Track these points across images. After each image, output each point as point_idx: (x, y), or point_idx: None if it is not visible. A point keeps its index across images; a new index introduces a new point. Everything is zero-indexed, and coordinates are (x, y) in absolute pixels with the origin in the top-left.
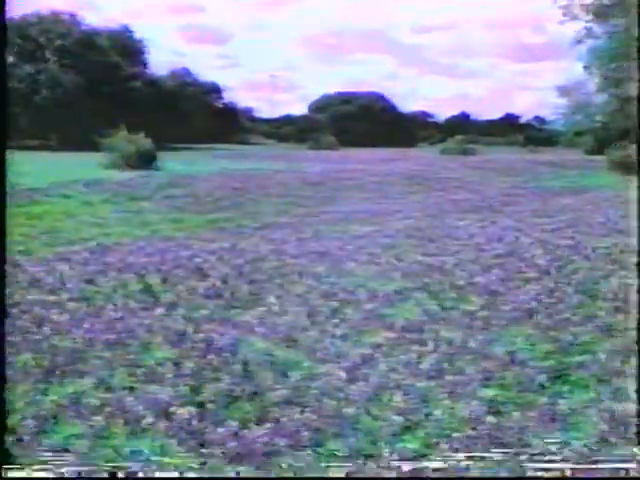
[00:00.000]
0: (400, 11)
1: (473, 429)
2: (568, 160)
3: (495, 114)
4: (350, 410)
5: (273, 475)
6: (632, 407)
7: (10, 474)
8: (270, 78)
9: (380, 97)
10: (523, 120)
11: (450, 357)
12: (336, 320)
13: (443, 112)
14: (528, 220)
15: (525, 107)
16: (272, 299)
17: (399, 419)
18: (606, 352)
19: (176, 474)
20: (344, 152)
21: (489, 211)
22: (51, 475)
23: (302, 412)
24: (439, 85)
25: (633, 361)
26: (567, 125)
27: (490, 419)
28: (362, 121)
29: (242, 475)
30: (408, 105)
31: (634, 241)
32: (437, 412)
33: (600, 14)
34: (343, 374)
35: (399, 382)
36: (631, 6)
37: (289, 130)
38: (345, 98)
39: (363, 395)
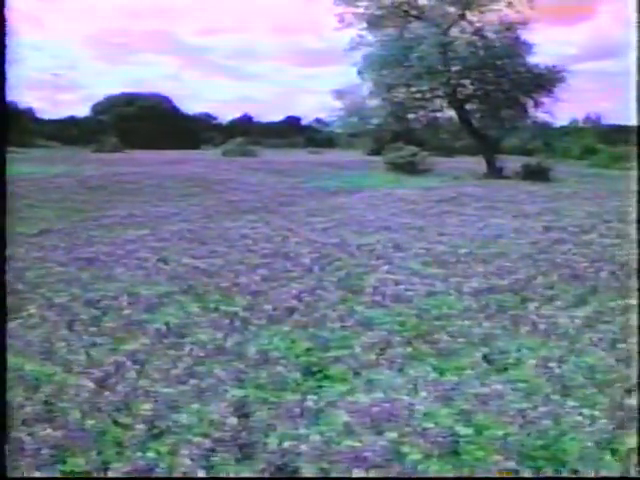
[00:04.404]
0: (185, 12)
1: (218, 432)
2: (347, 161)
3: (278, 117)
4: (97, 421)
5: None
6: (380, 396)
7: None
8: (52, 77)
9: (164, 98)
10: (305, 122)
11: (204, 360)
12: (95, 328)
13: (227, 114)
14: (301, 220)
15: (307, 110)
16: (33, 309)
17: (145, 427)
18: (362, 345)
19: None
20: (127, 154)
21: (264, 212)
22: None
23: (47, 428)
24: (223, 87)
25: (390, 352)
26: (343, 127)
27: (232, 421)
28: (146, 122)
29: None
30: (192, 107)
31: (398, 236)
32: (185, 417)
33: (372, 23)
34: (92, 385)
35: (149, 389)
36: (400, 17)
37: (73, 132)
38: (129, 99)
39: (111, 405)
